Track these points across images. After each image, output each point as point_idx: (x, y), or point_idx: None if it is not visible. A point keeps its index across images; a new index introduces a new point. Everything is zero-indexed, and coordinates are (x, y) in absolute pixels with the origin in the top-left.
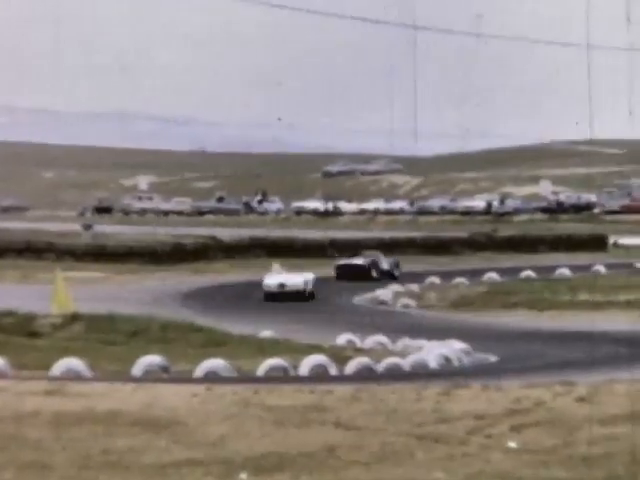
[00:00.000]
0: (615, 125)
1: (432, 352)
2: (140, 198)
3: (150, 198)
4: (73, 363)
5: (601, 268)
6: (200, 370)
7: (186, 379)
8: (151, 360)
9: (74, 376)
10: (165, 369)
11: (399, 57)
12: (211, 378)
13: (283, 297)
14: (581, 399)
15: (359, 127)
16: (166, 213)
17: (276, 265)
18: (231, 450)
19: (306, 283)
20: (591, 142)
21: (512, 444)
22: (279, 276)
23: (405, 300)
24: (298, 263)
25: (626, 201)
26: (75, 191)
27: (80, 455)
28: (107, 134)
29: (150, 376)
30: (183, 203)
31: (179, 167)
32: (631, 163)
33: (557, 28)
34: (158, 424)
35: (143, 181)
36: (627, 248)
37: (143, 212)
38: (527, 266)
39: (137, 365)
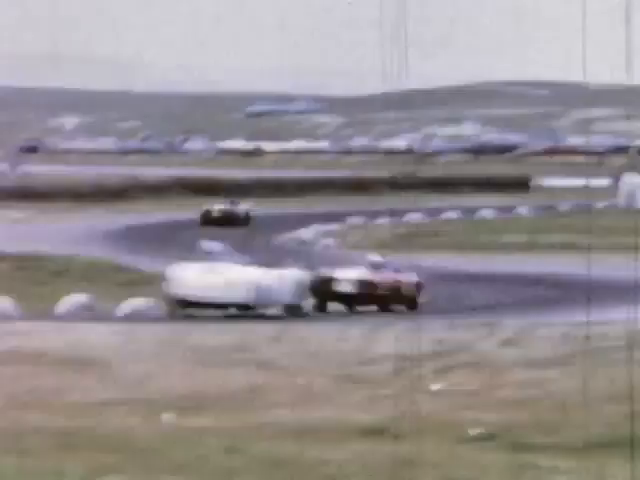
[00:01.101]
0: (545, 66)
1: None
2: (65, 138)
3: (75, 138)
4: (0, 302)
5: (524, 210)
6: (124, 309)
7: (110, 318)
8: (76, 299)
9: (1, 315)
10: (90, 308)
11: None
12: (135, 317)
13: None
14: (505, 342)
15: (282, 67)
16: (90, 152)
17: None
18: (154, 390)
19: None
20: (518, 83)
21: (436, 386)
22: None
23: (327, 240)
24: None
25: (550, 143)
26: (1, 132)
27: (6, 394)
28: (33, 75)
29: (75, 315)
30: (107, 143)
31: (104, 107)
32: (556, 105)
33: None
34: (83, 363)
35: (68, 121)
36: (550, 190)
37: (68, 152)
38: (450, 207)
39: (62, 304)
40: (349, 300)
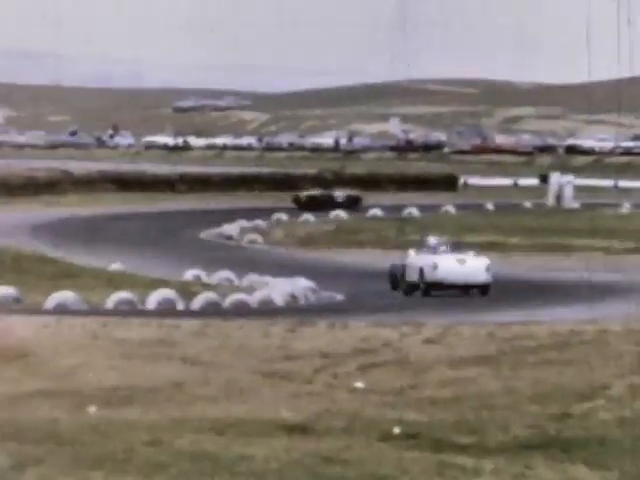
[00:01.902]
0: (470, 64)
1: (278, 289)
2: None
3: (5, 131)
4: None
5: (451, 208)
6: (50, 302)
7: (37, 310)
8: (3, 291)
9: None
10: (17, 300)
11: None
12: (61, 310)
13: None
14: (429, 340)
15: (209, 63)
16: (21, 146)
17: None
18: (81, 382)
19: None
20: (444, 81)
21: (359, 384)
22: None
23: (252, 236)
24: (146, 197)
25: (477, 141)
26: None
27: None
28: None
29: (2, 307)
30: (37, 136)
31: (34, 101)
32: (483, 103)
33: None
34: (9, 355)
35: None
36: (477, 188)
37: None
38: (375, 205)
39: None
40: None
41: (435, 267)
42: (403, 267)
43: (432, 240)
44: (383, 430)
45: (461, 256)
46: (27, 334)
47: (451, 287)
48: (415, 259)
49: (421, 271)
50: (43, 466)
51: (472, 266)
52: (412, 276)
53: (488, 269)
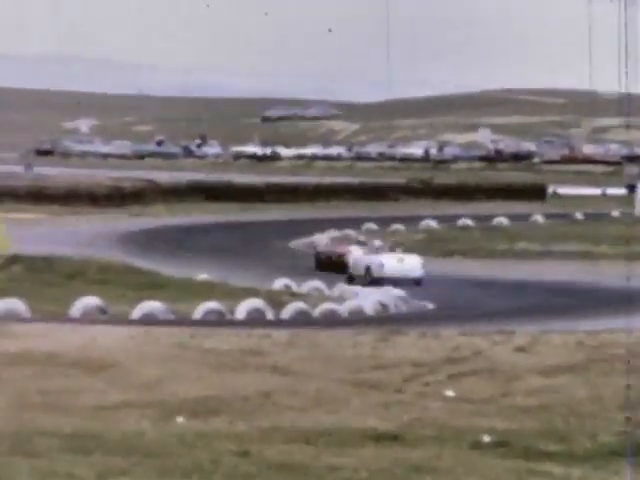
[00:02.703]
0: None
1: (368, 298)
2: (80, 141)
3: (91, 141)
4: (11, 304)
5: (539, 217)
6: (137, 312)
7: (124, 321)
8: (89, 301)
9: (12, 317)
10: (103, 311)
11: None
12: (148, 320)
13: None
14: (519, 349)
15: (299, 72)
16: (106, 156)
17: (377, 242)
18: (168, 393)
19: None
20: (532, 91)
21: (449, 393)
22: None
23: None
24: (235, 207)
25: (565, 151)
26: (16, 133)
27: (17, 396)
28: (49, 76)
29: (88, 318)
30: (123, 146)
31: (120, 110)
32: (571, 113)
33: None
34: (95, 366)
35: (84, 124)
36: (566, 198)
37: (83, 155)
38: (465, 214)
39: (75, 306)
40: None
41: (381, 265)
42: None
43: (377, 243)
44: (473, 438)
45: (400, 255)
46: (113, 345)
47: (392, 281)
48: (361, 258)
49: (368, 268)
50: (128, 477)
51: (409, 264)
52: (358, 270)
53: (422, 266)
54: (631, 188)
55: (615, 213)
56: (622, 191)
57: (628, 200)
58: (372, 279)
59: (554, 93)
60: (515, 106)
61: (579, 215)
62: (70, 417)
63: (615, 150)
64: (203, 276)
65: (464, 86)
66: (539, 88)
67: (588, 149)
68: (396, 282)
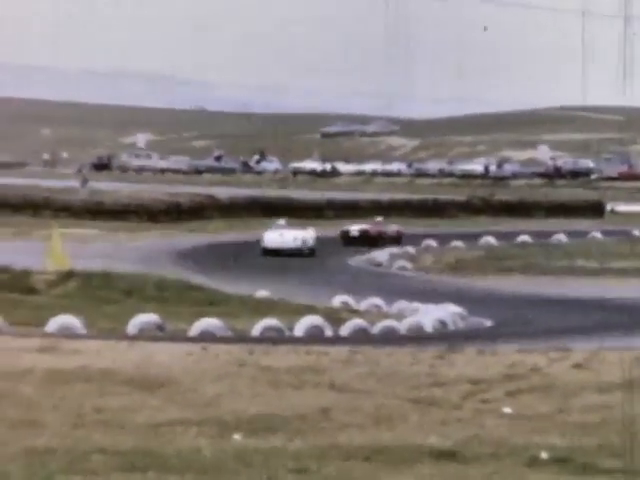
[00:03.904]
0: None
1: (428, 315)
2: (138, 156)
3: (148, 156)
4: (68, 320)
5: (598, 235)
6: (195, 329)
7: (181, 338)
8: (146, 318)
9: (69, 333)
10: (160, 327)
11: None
12: (206, 337)
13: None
14: (576, 366)
15: (358, 89)
16: (163, 171)
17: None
18: (225, 410)
19: (305, 240)
20: (588, 108)
21: (507, 409)
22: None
23: (401, 262)
24: (296, 223)
25: (624, 168)
26: (73, 148)
27: (73, 413)
28: (106, 91)
29: (145, 334)
30: (181, 161)
31: (177, 125)
32: (629, 130)
33: None
34: (152, 383)
35: (141, 139)
36: (624, 215)
37: (140, 170)
38: (523, 231)
39: (132, 323)
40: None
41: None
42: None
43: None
44: (531, 455)
45: (282, 231)
46: (171, 362)
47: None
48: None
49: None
50: None
51: (290, 238)
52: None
53: (303, 240)
54: None
55: None
56: None
57: None
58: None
59: (612, 110)
60: (573, 123)
61: (637, 232)
62: (126, 435)
63: None
64: (262, 293)
65: (521, 103)
66: (597, 105)
67: None
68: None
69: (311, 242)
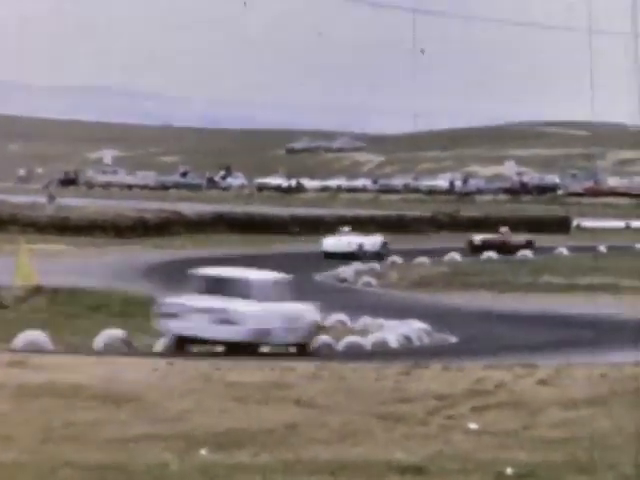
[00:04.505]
0: (578, 108)
1: (393, 331)
2: (105, 171)
3: (114, 172)
4: (35, 336)
5: (564, 250)
6: (161, 344)
7: (147, 353)
8: (113, 334)
9: (36, 349)
10: (126, 343)
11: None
12: (172, 353)
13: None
14: (542, 382)
15: (323, 104)
16: (130, 187)
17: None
18: (192, 426)
19: (361, 245)
20: (556, 123)
21: (473, 425)
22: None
23: (366, 278)
24: (260, 239)
25: (590, 183)
26: (41, 164)
27: (41, 428)
28: (73, 108)
29: (111, 350)
30: (147, 177)
31: (144, 141)
32: (595, 145)
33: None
34: (119, 398)
35: (108, 154)
36: (590, 231)
37: (107, 185)
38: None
39: (99, 339)
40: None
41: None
42: None
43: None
44: (496, 471)
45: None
46: (137, 377)
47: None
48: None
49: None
50: None
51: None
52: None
53: (359, 244)
54: None
55: (639, 246)
56: None
57: None
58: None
59: (579, 125)
60: (540, 138)
61: (603, 248)
62: (94, 449)
63: None
64: None
65: (488, 118)
66: (564, 120)
67: (613, 181)
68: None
69: (369, 247)
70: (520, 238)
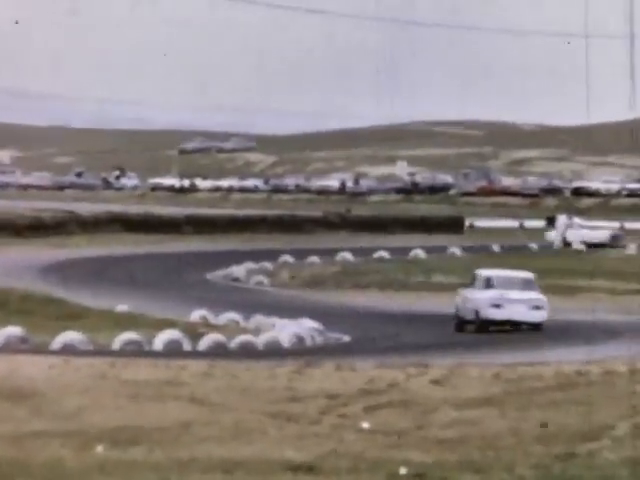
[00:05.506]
0: (474, 106)
1: (285, 330)
2: (2, 172)
3: (12, 172)
4: None
5: (457, 250)
6: (57, 342)
7: (44, 351)
8: (10, 331)
9: None
10: (24, 340)
11: (262, 37)
12: (68, 350)
13: None
14: (435, 381)
15: (216, 104)
16: (26, 187)
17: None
18: (87, 423)
19: None
20: (449, 123)
21: (365, 424)
22: None
23: (258, 278)
24: (153, 239)
25: (483, 183)
26: None
27: None
28: None
29: (9, 347)
30: (43, 178)
31: (40, 142)
32: (488, 145)
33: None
34: (16, 395)
35: (5, 155)
36: (484, 231)
37: (4, 185)
38: (381, 247)
39: None
40: None
41: None
42: None
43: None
44: (389, 470)
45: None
46: (34, 374)
47: None
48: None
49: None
50: None
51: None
52: None
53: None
54: (550, 220)
55: (533, 246)
56: (541, 223)
57: (547, 232)
58: None
59: (472, 125)
60: (433, 138)
61: (496, 248)
62: None
63: (533, 182)
64: (122, 307)
65: (383, 118)
66: (457, 120)
67: (506, 181)
68: None
69: None
70: None
